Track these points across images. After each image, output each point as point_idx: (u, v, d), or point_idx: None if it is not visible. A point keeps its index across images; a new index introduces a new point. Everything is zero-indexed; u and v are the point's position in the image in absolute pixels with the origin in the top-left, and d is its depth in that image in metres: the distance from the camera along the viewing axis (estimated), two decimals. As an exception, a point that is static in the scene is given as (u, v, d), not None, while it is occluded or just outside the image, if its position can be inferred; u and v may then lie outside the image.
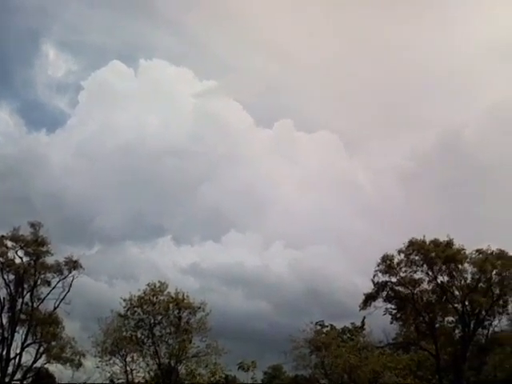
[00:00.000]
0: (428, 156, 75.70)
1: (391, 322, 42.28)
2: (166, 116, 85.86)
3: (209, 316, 37.50)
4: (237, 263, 63.44)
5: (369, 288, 41.02)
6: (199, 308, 37.57)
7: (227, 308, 54.96)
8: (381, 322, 42.20)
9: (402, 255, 41.36)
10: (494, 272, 39.86)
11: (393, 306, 41.79)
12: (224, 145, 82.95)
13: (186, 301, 37.57)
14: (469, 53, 78.92)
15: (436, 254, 40.67)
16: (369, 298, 41.01)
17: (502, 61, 74.87)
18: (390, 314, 41.88)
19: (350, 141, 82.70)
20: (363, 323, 44.67)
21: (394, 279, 41.04)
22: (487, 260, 40.12)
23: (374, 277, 41.08)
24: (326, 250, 60.15)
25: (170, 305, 37.50)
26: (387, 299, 41.26)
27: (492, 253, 40.51)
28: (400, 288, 41.16)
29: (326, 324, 45.58)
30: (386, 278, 41.13)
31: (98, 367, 37.19)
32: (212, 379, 37.19)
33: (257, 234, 72.09)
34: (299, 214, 70.42)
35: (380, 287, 40.98)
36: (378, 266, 41.28)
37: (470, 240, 42.20)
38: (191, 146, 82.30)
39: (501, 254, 40.37)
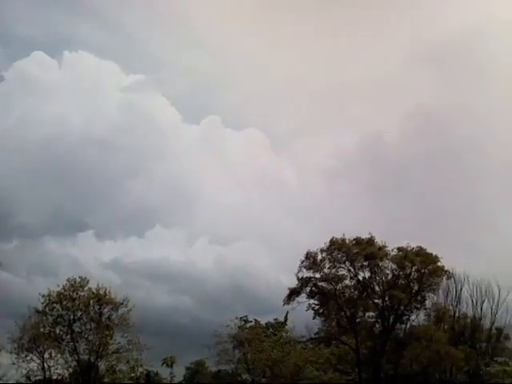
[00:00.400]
0: (351, 156, 78.55)
1: (314, 317, 43.61)
2: (90, 109, 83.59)
3: (131, 312, 37.38)
4: (161, 259, 63.17)
5: (293, 284, 42.15)
6: (121, 304, 37.38)
7: (151, 304, 54.75)
8: (303, 318, 43.53)
9: (325, 253, 42.92)
10: (413, 269, 41.95)
11: (316, 302, 43.05)
12: (150, 140, 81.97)
13: (107, 296, 37.26)
14: (392, 61, 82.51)
15: (357, 252, 42.42)
16: (293, 293, 42.02)
17: (423, 68, 78.62)
18: (313, 310, 43.14)
19: (277, 139, 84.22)
20: (286, 318, 45.88)
21: (317, 275, 42.25)
22: (406, 257, 42.09)
23: (298, 272, 42.24)
24: (250, 246, 61.00)
25: (91, 300, 37.04)
26: (310, 295, 42.45)
27: (412, 250, 42.56)
28: (323, 284, 42.46)
29: (250, 319, 46.52)
30: (310, 273, 42.37)
31: (14, 364, 36.54)
32: (132, 375, 37.35)
33: (182, 230, 72.01)
34: (225, 210, 71.09)
35: (304, 283, 42.10)
36: (303, 262, 42.50)
37: (391, 238, 43.83)
38: (116, 139, 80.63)
39: (420, 252, 42.30)
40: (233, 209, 67.00)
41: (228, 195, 71.53)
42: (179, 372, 55.86)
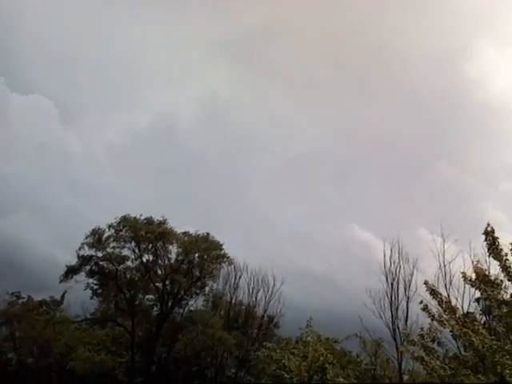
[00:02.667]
0: (143, 136, 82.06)
1: (91, 298, 46.14)
2: None
3: None
4: None
5: (71, 262, 43.72)
6: None
7: None
8: (80, 297, 46.13)
9: (113, 230, 45.73)
10: (197, 255, 46.62)
11: (95, 281, 45.91)
12: None
13: None
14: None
15: (145, 232, 45.93)
16: (71, 271, 43.66)
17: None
18: (91, 289, 45.89)
19: (67, 111, 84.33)
20: (63, 297, 48.16)
21: (100, 254, 44.84)
22: (193, 242, 46.68)
23: (79, 249, 44.43)
24: (25, 219, 60.93)
25: None
26: (90, 274, 44.79)
27: (198, 236, 47.21)
28: (105, 263, 45.06)
29: (23, 295, 48.05)
30: (92, 252, 44.88)
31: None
32: None
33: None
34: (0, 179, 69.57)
35: (84, 261, 44.52)
36: (87, 238, 44.81)
37: (178, 222, 47.64)
38: None
39: (206, 238, 47.13)
40: (8, 179, 65.82)
41: (7, 164, 70.22)
42: None
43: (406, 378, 36.02)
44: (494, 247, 17.41)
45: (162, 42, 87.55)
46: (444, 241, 32.72)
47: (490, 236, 17.50)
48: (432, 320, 18.42)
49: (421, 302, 18.79)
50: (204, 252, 45.95)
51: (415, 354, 18.68)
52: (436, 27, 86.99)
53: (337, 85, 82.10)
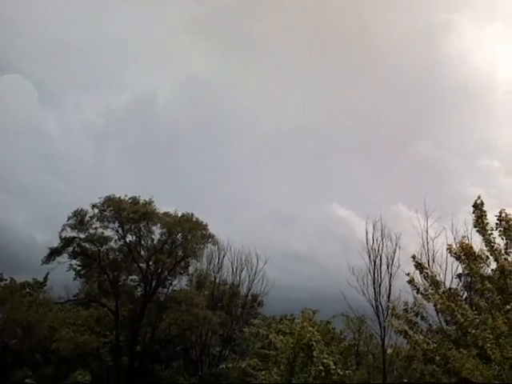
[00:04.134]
0: (122, 116, 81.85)
1: (74, 279, 46.15)
2: None
3: None
4: None
5: (51, 243, 43.99)
6: None
7: None
8: (63, 278, 46.23)
9: (96, 210, 45.85)
10: (180, 235, 46.94)
11: (78, 263, 46.05)
12: None
13: None
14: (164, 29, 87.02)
15: (129, 213, 46.08)
16: (53, 253, 44.08)
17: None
18: (74, 271, 45.99)
19: (45, 90, 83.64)
20: (46, 278, 48.27)
21: (82, 235, 44.96)
22: (176, 222, 46.95)
23: (62, 231, 44.55)
24: (5, 200, 60.85)
25: None
26: (73, 255, 45.07)
27: (182, 216, 47.49)
28: (87, 244, 45.19)
29: (6, 277, 48.12)
30: (74, 233, 45.00)
31: None
32: None
33: None
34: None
35: (67, 242, 44.65)
36: (69, 219, 44.91)
37: (161, 202, 48.03)
38: None
39: (190, 218, 47.45)
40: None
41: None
42: None
43: (389, 351, 36.81)
44: (481, 220, 17.82)
45: (141, 20, 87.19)
46: (427, 218, 33.39)
47: (478, 209, 17.92)
48: (417, 293, 18.96)
49: (408, 274, 19.29)
50: (188, 232, 46.17)
51: (399, 328, 19.24)
52: (415, 2, 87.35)
53: (316, 63, 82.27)
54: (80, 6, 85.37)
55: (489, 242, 17.62)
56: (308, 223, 62.56)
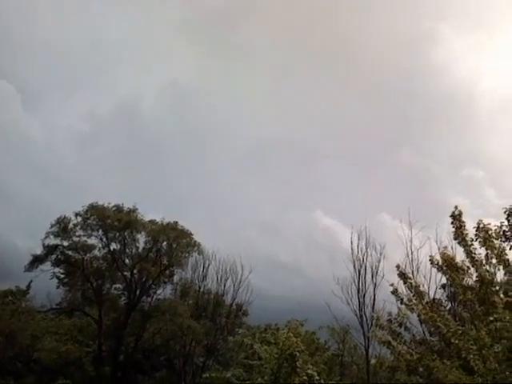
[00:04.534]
0: (105, 121, 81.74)
1: (57, 287, 45.94)
2: None
3: None
4: None
5: (34, 250, 43.58)
6: None
7: None
8: (46, 286, 45.85)
9: (80, 218, 45.57)
10: (165, 243, 46.75)
11: (61, 271, 45.65)
12: None
13: None
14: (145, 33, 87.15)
15: (113, 221, 45.84)
16: (36, 260, 43.70)
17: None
18: (58, 279, 45.63)
19: (28, 95, 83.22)
20: (29, 286, 47.80)
21: (66, 243, 44.57)
22: (161, 231, 46.78)
23: (45, 238, 44.12)
24: (-14, 205, 60.21)
25: None
26: (56, 263, 44.67)
27: (167, 224, 47.32)
28: (71, 252, 44.87)
29: (-12, 285, 47.57)
30: (58, 241, 44.56)
31: None
32: None
33: None
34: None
35: (50, 250, 44.27)
36: (52, 227, 44.55)
37: (145, 210, 47.83)
38: None
39: (175, 226, 47.30)
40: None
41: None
42: None
43: (373, 362, 36.88)
44: (460, 231, 17.91)
45: (126, 24, 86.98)
46: (411, 227, 33.52)
47: (456, 220, 18.01)
48: (401, 303, 19.01)
49: (391, 285, 19.34)
50: (173, 240, 46.07)
51: (382, 339, 19.27)
52: (400, 11, 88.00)
53: (300, 70, 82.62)
54: (63, 10, 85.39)
55: (469, 253, 17.70)
56: (293, 232, 62.58)
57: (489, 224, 17.56)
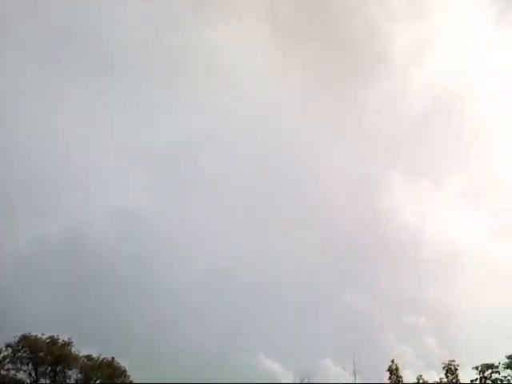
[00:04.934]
0: (53, 246, 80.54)
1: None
2: None
3: None
4: None
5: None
6: None
7: None
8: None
9: (10, 350, 43.30)
10: (99, 381, 44.48)
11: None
12: None
13: None
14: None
15: (45, 354, 43.59)
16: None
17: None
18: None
19: None
20: None
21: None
22: (96, 367, 44.62)
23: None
24: None
25: None
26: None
27: (103, 360, 45.32)
28: (-3, 387, 42.36)
29: None
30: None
31: None
32: None
33: None
34: None
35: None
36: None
37: (84, 341, 45.89)
38: None
39: (111, 363, 45.25)
40: None
41: None
42: None
43: None
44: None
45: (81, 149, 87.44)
46: (355, 375, 32.92)
47: (393, 374, 17.88)
48: None
49: None
50: (107, 379, 44.01)
51: None
52: (350, 153, 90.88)
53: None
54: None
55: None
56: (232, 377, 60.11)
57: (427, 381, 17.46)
